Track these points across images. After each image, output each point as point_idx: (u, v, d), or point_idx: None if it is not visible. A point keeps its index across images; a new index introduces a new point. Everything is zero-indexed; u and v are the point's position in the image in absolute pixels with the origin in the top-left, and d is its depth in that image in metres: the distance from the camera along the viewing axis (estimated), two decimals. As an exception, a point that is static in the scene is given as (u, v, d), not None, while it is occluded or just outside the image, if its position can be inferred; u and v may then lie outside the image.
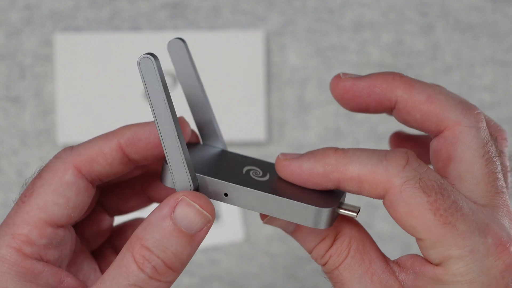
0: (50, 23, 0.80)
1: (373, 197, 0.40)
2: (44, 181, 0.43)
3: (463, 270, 0.39)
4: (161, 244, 0.40)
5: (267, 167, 0.45)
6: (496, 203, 0.41)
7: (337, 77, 0.44)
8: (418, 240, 0.40)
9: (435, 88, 0.42)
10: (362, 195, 0.40)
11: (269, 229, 0.81)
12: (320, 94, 0.81)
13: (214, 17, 0.80)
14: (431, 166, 0.42)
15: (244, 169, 0.44)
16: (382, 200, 0.40)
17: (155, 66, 0.39)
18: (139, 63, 0.39)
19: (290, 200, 0.41)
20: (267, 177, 0.43)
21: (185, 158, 0.41)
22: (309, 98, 0.81)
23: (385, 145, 0.82)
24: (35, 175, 0.44)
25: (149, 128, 0.44)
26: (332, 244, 0.41)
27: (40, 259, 0.42)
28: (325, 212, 0.40)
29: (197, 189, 0.42)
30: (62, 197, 0.43)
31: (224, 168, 0.44)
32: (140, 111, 0.80)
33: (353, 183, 0.40)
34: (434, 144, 0.42)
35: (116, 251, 0.50)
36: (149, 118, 0.45)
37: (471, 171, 0.41)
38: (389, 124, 0.81)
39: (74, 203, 0.43)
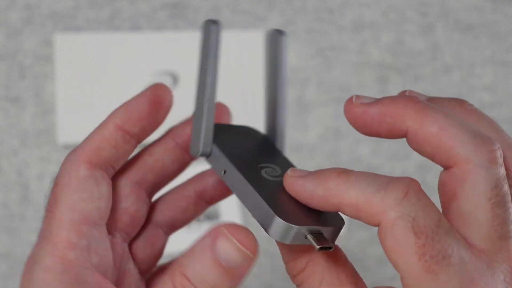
0: (50, 23, 0.80)
1: (370, 225, 0.39)
2: (62, 185, 0.43)
3: None
4: (200, 275, 0.39)
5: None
6: (496, 249, 0.39)
7: (350, 101, 0.42)
8: (401, 276, 0.39)
9: (449, 118, 0.40)
10: (361, 221, 0.39)
11: (269, 229, 0.81)
12: (320, 94, 0.81)
13: (214, 17, 0.80)
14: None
15: (262, 164, 0.44)
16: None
17: (216, 31, 0.42)
18: (203, 25, 0.42)
19: (264, 202, 0.40)
20: (278, 179, 0.43)
21: (206, 124, 0.43)
22: (309, 98, 0.81)
23: (385, 145, 0.82)
24: (51, 186, 0.44)
25: (138, 98, 0.45)
26: (304, 268, 0.41)
27: (84, 263, 0.42)
28: (292, 229, 0.39)
29: (206, 156, 0.43)
30: (85, 192, 0.43)
31: (246, 155, 0.44)
32: (140, 111, 0.80)
33: (351, 209, 0.39)
34: (442, 177, 0.40)
35: None
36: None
37: (474, 213, 0.39)
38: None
39: (98, 194, 0.43)
